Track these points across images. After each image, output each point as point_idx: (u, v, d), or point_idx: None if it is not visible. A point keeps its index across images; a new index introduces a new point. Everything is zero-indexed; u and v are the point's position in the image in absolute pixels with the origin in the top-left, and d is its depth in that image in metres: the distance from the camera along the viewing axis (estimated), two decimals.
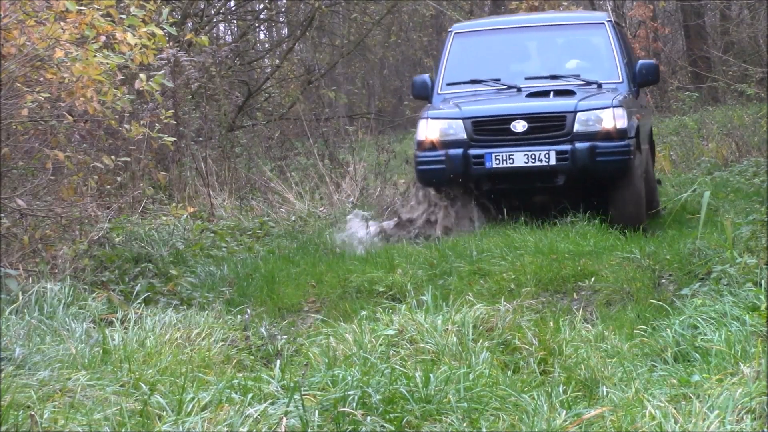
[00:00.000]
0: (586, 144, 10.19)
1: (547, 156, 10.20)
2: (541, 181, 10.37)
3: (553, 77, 11.15)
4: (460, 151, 10.37)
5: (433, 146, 10.52)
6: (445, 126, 10.53)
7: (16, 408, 4.52)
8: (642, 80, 11.26)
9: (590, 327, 6.28)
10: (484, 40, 11.80)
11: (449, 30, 12.06)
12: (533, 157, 10.22)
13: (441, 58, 11.64)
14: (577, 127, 10.26)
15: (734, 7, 21.87)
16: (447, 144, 10.46)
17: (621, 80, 11.14)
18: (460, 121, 10.47)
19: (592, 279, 8.14)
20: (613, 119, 10.28)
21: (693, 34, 24.22)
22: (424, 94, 11.39)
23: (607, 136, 10.24)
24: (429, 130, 10.57)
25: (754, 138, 15.98)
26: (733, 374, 4.82)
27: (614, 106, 10.33)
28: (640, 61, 11.47)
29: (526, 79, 11.20)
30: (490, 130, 10.41)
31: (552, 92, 10.81)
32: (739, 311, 5.84)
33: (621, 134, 10.29)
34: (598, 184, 10.44)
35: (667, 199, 12.29)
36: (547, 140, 10.26)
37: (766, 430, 4.26)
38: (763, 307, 5.85)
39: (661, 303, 6.79)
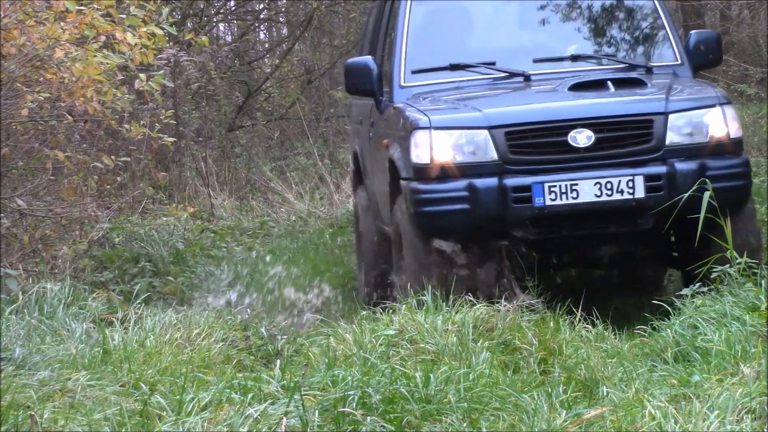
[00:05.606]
0: (691, 164, 6.76)
1: (630, 184, 6.68)
2: (618, 224, 6.86)
3: (575, 59, 7.71)
4: (492, 181, 6.74)
5: (444, 174, 6.79)
6: (461, 140, 6.81)
7: (16, 408, 4.52)
8: (701, 61, 7.76)
9: (590, 327, 6.28)
10: (458, 3, 8.05)
11: None
12: (609, 186, 6.68)
13: (396, 33, 7.75)
14: (671, 138, 6.82)
15: (734, 7, 21.84)
16: (468, 170, 6.77)
17: (680, 61, 7.76)
18: (486, 132, 6.78)
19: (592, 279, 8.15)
20: (725, 124, 6.89)
21: None
22: (368, 88, 7.58)
23: (718, 149, 6.84)
24: (435, 147, 6.79)
25: (754, 138, 15.96)
26: (733, 374, 4.82)
27: (722, 104, 6.96)
28: (694, 32, 7.97)
29: (535, 62, 7.67)
30: (538, 144, 6.82)
31: (609, 82, 7.18)
32: (739, 311, 5.83)
33: (737, 146, 6.93)
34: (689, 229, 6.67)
35: None
36: (626, 159, 6.78)
37: (766, 430, 4.26)
38: (763, 307, 5.84)
39: (661, 303, 6.79)
